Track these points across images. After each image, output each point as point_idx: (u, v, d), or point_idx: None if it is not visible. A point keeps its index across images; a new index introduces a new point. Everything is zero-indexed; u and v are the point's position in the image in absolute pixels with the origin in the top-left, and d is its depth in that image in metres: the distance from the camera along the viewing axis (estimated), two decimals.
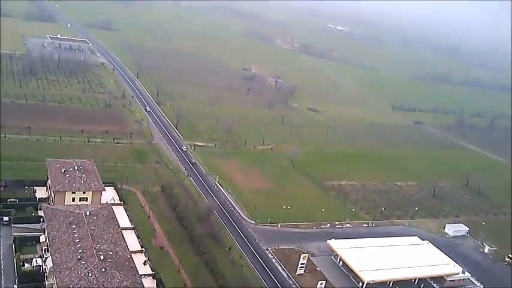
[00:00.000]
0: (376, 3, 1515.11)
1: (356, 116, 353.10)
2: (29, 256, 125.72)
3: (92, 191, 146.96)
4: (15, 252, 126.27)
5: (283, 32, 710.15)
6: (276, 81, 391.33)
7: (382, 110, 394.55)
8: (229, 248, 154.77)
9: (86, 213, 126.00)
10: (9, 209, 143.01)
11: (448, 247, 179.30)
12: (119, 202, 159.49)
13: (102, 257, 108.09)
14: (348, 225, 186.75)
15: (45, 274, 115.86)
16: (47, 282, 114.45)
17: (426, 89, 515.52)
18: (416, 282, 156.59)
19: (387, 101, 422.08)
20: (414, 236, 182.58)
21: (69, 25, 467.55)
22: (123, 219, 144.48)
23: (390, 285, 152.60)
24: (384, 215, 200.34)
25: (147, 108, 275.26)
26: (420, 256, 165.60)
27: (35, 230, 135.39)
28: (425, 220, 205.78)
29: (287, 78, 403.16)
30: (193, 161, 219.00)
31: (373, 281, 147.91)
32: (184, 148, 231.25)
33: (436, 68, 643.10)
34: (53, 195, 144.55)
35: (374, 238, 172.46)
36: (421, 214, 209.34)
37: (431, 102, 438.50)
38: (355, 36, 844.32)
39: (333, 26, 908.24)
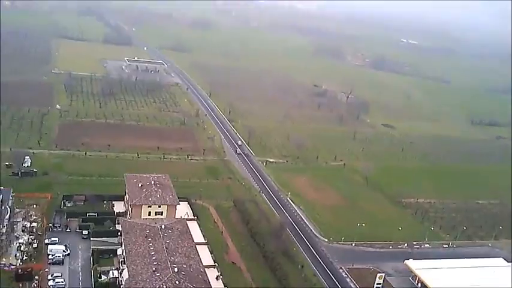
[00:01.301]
0: (443, 11, 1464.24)
1: (433, 131, 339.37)
2: (106, 268, 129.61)
3: (167, 205, 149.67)
4: (93, 265, 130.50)
5: (353, 47, 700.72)
6: (348, 97, 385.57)
7: (460, 125, 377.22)
8: (302, 266, 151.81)
9: (161, 226, 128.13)
10: (89, 223, 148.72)
11: None
12: (193, 217, 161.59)
13: (176, 270, 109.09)
14: (426, 245, 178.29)
15: (121, 286, 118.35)
16: None
17: (506, 103, 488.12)
18: None
19: (465, 115, 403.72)
20: (499, 257, 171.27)
21: (145, 48, 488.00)
22: (196, 234, 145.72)
23: None
24: (466, 235, 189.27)
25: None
26: (505, 279, 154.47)
27: (113, 243, 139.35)
28: (510, 241, 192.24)
29: (359, 93, 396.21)
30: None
31: None
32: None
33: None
34: (130, 209, 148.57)
35: (455, 259, 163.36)
36: (506, 235, 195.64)
37: None
38: (427, 48, 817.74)
39: (405, 40, 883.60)
